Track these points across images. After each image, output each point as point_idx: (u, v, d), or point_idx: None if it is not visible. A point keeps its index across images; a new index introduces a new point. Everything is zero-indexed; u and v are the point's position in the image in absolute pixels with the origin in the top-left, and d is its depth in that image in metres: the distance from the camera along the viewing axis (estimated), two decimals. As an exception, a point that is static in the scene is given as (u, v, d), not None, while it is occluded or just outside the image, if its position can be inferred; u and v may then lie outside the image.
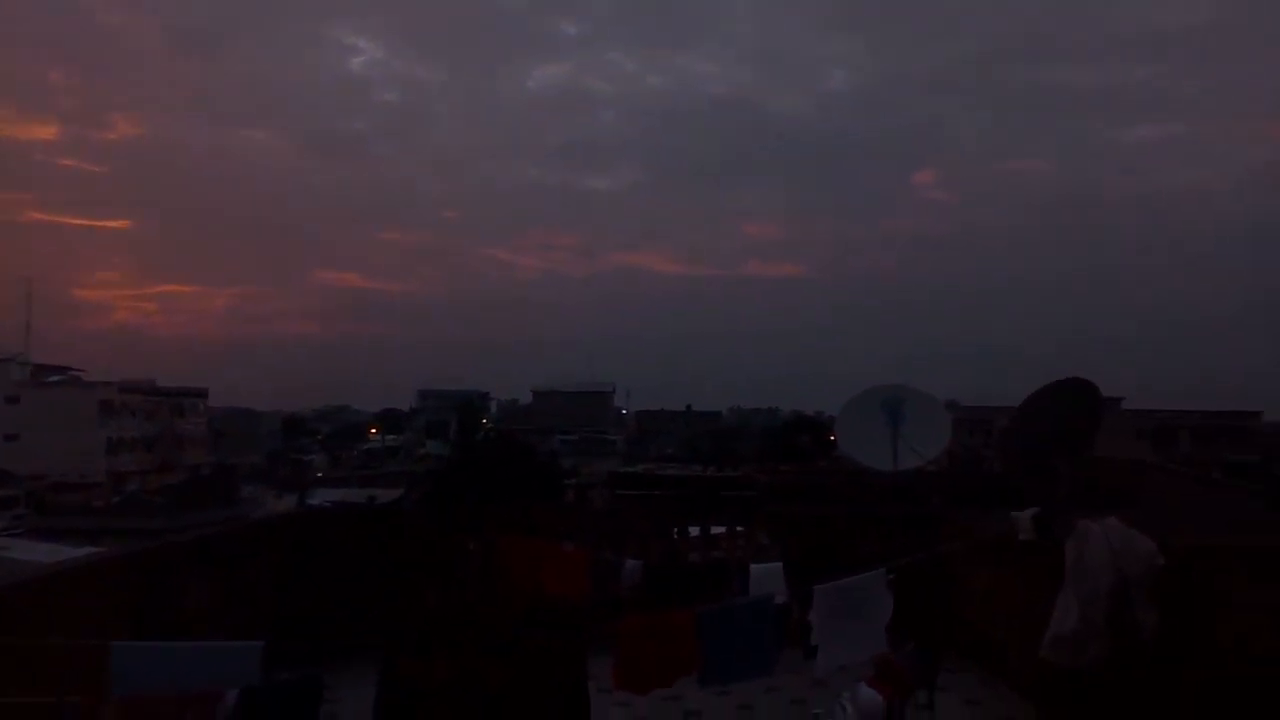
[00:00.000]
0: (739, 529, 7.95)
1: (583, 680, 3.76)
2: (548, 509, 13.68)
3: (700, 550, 7.74)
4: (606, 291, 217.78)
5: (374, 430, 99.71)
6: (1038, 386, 6.72)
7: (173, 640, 3.80)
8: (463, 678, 3.55)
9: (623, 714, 5.56)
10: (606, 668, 4.00)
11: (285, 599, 7.06)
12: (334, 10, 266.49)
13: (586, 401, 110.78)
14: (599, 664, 4.08)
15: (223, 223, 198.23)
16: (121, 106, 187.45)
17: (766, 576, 5.28)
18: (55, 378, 70.21)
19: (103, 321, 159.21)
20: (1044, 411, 6.57)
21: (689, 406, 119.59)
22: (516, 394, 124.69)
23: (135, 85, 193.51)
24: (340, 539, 7.71)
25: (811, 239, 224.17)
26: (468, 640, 4.01)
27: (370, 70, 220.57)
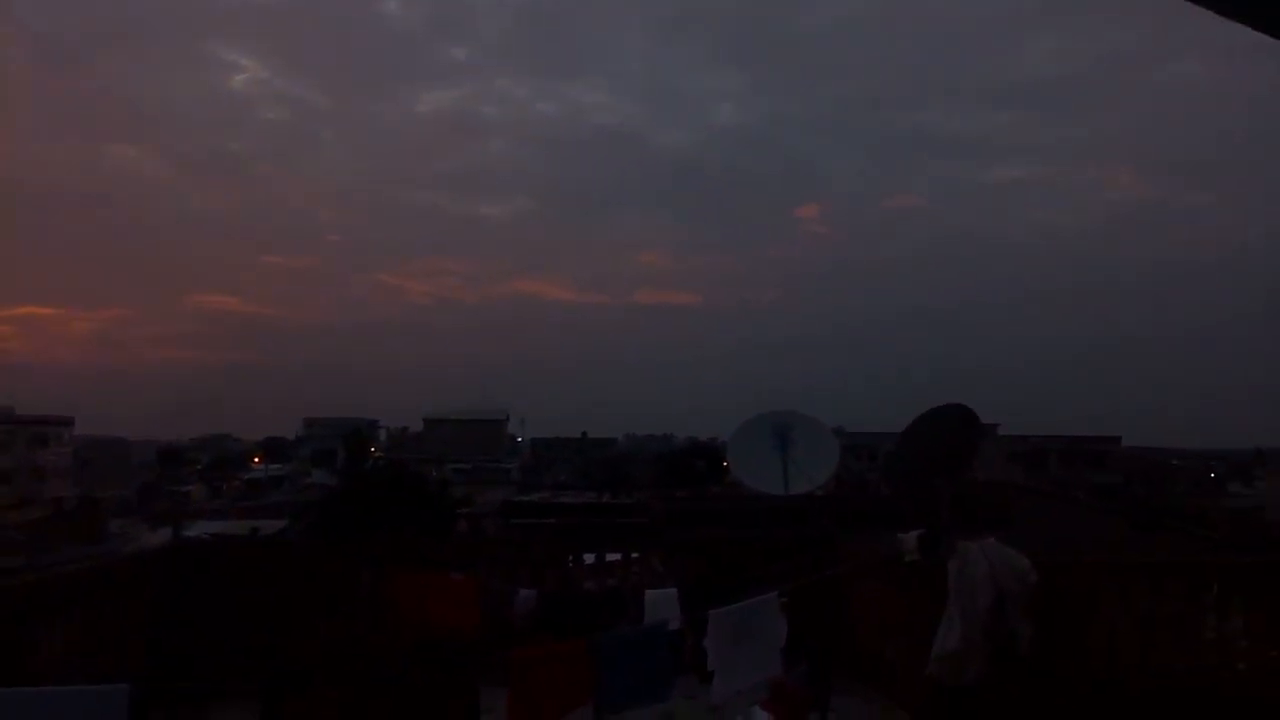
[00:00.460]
0: (634, 555, 7.93)
1: (474, 713, 3.66)
2: (438, 539, 13.37)
3: (595, 578, 7.69)
4: (500, 318, 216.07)
5: (257, 459, 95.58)
6: (920, 413, 6.99)
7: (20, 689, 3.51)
8: (350, 714, 3.40)
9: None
10: (500, 699, 3.92)
11: (158, 639, 6.65)
12: (213, 27, 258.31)
13: (479, 429, 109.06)
14: (493, 695, 3.99)
15: (91, 242, 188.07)
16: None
17: (662, 603, 5.27)
18: (-103, 406, 64.78)
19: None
20: (925, 436, 6.81)
21: (584, 434, 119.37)
22: (407, 422, 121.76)
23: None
24: (219, 573, 7.33)
25: (702, 268, 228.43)
26: (355, 675, 3.86)
27: (252, 89, 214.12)
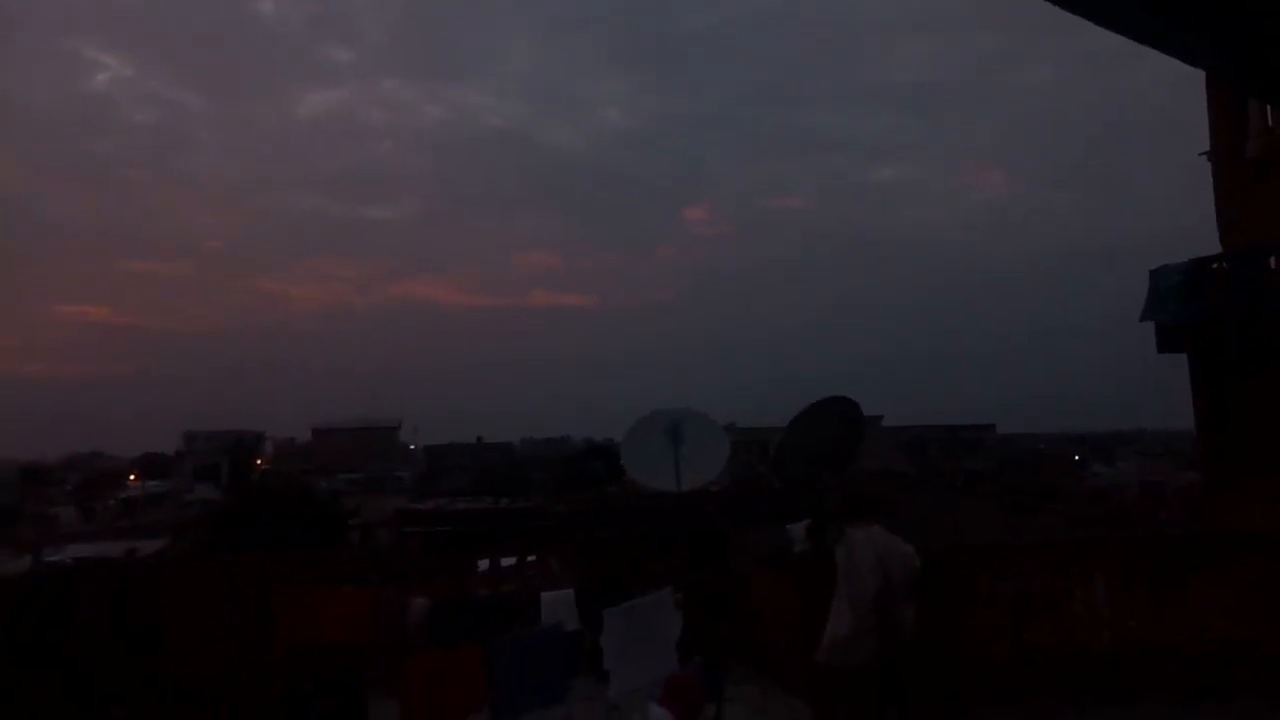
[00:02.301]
0: (530, 559, 7.88)
1: (365, 727, 3.59)
2: (329, 551, 12.98)
3: (490, 584, 7.61)
4: (389, 323, 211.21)
5: (133, 477, 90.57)
6: (805, 406, 7.19)
7: None
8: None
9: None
10: (393, 710, 3.85)
11: (16, 673, 6.22)
12: (74, 23, 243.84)
13: (370, 438, 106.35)
14: (385, 707, 3.91)
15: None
16: None
17: (558, 605, 5.26)
18: None
19: None
20: (811, 428, 7.02)
21: (480, 439, 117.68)
22: (294, 432, 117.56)
23: None
24: (87, 599, 6.90)
25: (592, 270, 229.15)
26: (240, 698, 3.71)
27: (117, 90, 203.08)
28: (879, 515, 6.12)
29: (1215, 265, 10.09)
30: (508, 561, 7.80)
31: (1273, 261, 9.53)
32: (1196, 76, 11.43)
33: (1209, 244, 11.48)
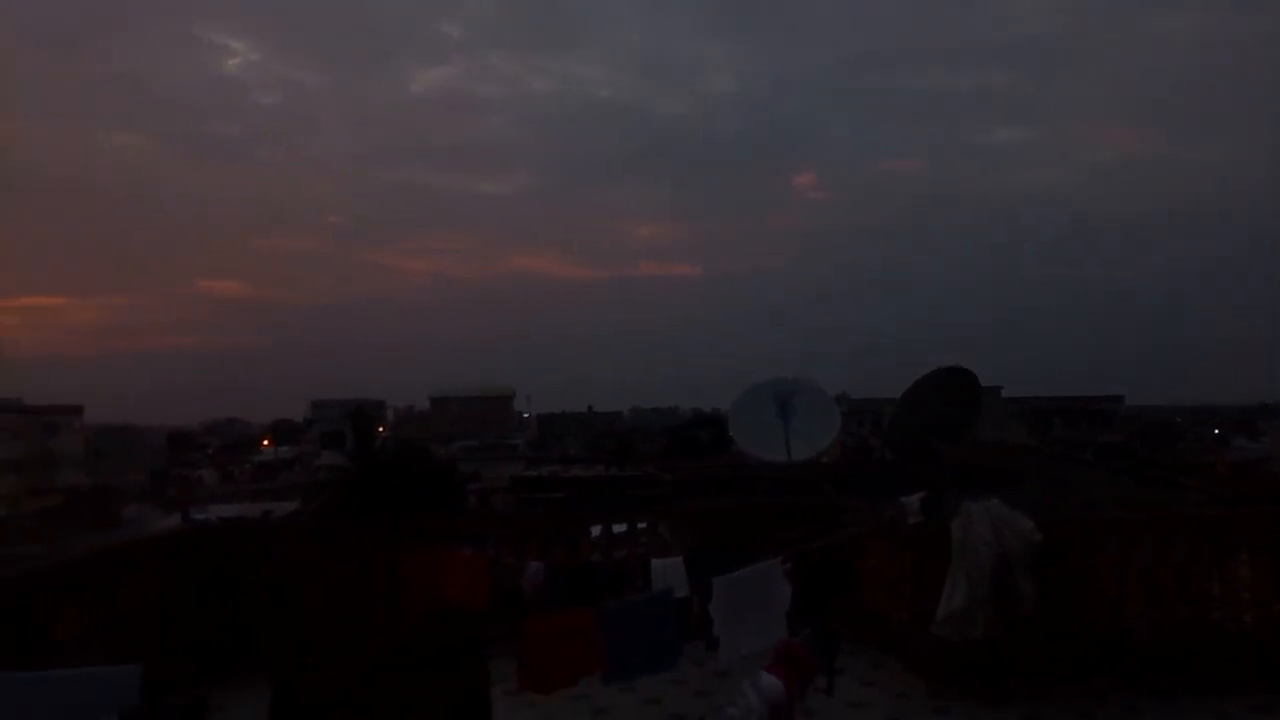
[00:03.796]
0: (640, 526, 7.99)
1: (484, 683, 3.72)
2: (448, 516, 13.46)
3: (603, 550, 7.74)
4: (501, 295, 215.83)
5: (266, 442, 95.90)
6: (920, 377, 7.00)
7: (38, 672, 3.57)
8: (361, 691, 3.46)
9: (532, 714, 5.52)
10: (510, 670, 3.97)
11: (170, 620, 6.73)
12: (206, 11, 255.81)
13: (486, 406, 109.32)
14: (503, 666, 4.05)
15: (91, 231, 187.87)
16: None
17: (668, 571, 5.32)
18: (-95, 400, 65.06)
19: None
20: (926, 400, 6.84)
21: (590, 408, 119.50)
22: (413, 400, 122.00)
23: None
24: (230, 555, 7.39)
25: (701, 239, 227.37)
26: (366, 650, 3.92)
27: (247, 73, 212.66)
28: (998, 488, 5.94)
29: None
30: (619, 528, 7.92)
31: None
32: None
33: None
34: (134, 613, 6.44)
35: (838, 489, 8.93)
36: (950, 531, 5.78)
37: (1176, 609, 6.33)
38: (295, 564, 7.26)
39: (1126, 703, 5.91)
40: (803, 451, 7.96)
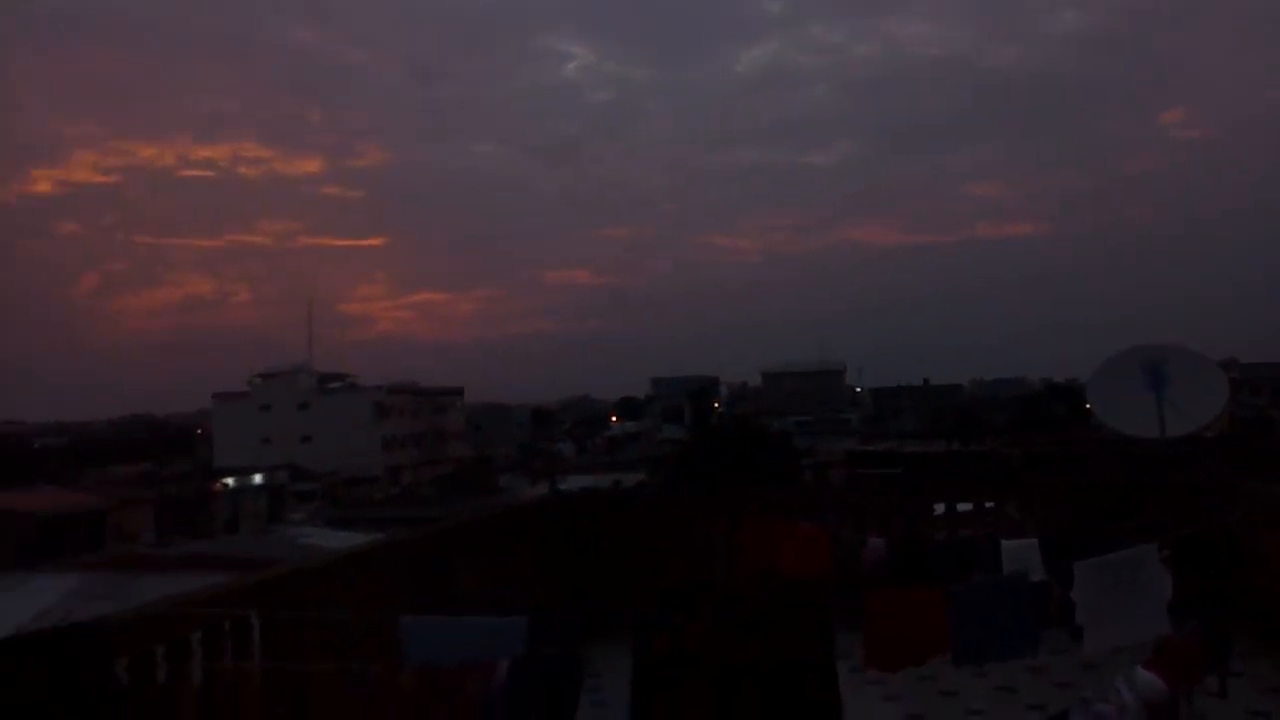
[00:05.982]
0: (988, 505, 7.58)
1: (830, 655, 3.76)
2: (785, 489, 13.70)
3: (946, 528, 7.45)
4: (830, 268, 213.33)
5: (614, 418, 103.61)
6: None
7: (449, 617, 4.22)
8: (715, 651, 3.65)
9: (877, 691, 5.50)
10: (853, 644, 3.98)
11: (543, 578, 7.56)
12: (545, 22, 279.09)
13: (818, 381, 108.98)
14: (846, 640, 4.07)
15: (463, 233, 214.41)
16: (369, 136, 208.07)
17: (1021, 553, 5.01)
18: (335, 385, 78.74)
19: (368, 331, 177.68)
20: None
21: (926, 381, 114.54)
22: (746, 377, 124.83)
23: (379, 115, 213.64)
24: (591, 521, 8.14)
25: (1042, 194, 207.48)
26: (717, 616, 4.12)
27: (581, 75, 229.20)
28: None
29: None
30: (964, 506, 7.59)
31: None
32: None
33: None
34: (518, 570, 7.33)
35: (1228, 467, 7.79)
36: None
37: None
38: (649, 532, 7.82)
39: None
40: (1180, 425, 7.02)
